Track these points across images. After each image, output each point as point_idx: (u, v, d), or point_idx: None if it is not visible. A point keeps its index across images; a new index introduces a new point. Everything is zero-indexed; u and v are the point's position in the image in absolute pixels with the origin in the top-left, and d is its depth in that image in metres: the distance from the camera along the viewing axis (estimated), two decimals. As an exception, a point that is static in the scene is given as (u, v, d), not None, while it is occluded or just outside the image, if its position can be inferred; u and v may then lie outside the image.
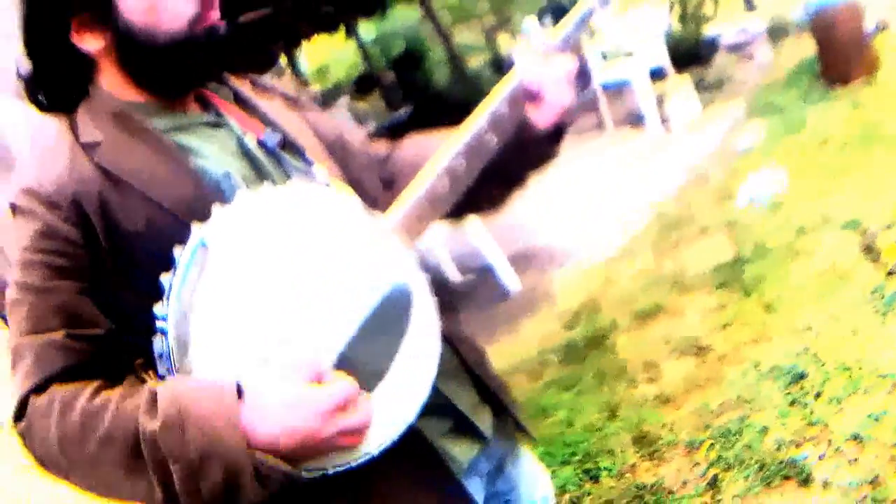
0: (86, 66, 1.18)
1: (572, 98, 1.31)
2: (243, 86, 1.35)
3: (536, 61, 1.30)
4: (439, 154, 1.21)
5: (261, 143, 1.24)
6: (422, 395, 1.09)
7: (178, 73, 1.18)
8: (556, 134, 1.34)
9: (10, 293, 1.08)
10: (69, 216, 1.07)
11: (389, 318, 1.07)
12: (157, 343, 0.95)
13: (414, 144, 1.46)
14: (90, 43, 1.14)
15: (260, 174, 1.19)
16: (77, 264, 1.07)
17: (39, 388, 1.02)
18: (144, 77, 1.18)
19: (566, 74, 1.30)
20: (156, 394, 0.94)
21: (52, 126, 1.21)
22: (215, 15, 1.17)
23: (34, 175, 1.12)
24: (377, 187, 1.38)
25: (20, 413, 1.04)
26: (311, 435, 0.94)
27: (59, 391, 1.01)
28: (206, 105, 1.27)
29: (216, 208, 0.99)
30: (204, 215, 0.99)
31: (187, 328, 0.94)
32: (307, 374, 0.96)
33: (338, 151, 1.36)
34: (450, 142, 1.23)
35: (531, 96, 1.29)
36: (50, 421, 0.99)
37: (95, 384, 1.01)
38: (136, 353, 1.03)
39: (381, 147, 1.48)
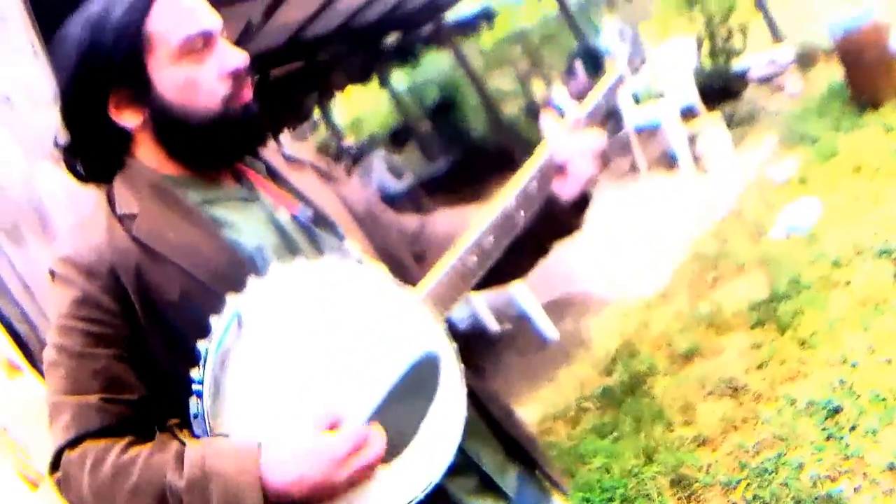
0: (123, 139, 1.24)
1: (596, 171, 1.36)
2: (276, 159, 1.40)
3: (565, 136, 1.37)
4: (470, 229, 1.27)
5: (294, 218, 1.29)
6: (447, 457, 1.14)
7: (214, 150, 1.24)
8: (580, 205, 1.40)
9: (49, 354, 1.15)
10: (106, 286, 1.13)
11: (418, 384, 1.13)
12: (193, 405, 1.01)
13: (443, 222, 1.51)
14: (128, 119, 1.21)
15: (291, 249, 1.24)
16: (114, 332, 1.12)
17: (73, 443, 1.09)
18: (181, 153, 1.24)
19: (592, 149, 1.36)
20: (183, 452, 1.02)
21: (89, 194, 1.29)
22: (248, 93, 1.24)
23: (72, 244, 1.19)
24: (409, 260, 1.42)
25: (55, 465, 1.10)
26: (323, 481, 1.00)
27: (91, 446, 1.07)
28: (239, 178, 1.32)
29: (251, 280, 1.05)
30: (237, 287, 1.05)
31: (222, 392, 1.01)
32: (323, 421, 1.02)
33: (369, 225, 1.40)
34: (480, 217, 1.29)
35: (558, 170, 1.36)
36: (83, 473, 1.06)
37: (126, 440, 1.08)
38: (172, 413, 1.09)
39: (410, 222, 1.53)
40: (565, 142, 1.36)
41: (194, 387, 1.01)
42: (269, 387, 1.04)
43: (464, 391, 1.19)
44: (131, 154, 1.25)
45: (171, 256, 1.15)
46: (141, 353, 1.13)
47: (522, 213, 1.31)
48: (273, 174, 1.37)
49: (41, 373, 1.85)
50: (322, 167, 1.48)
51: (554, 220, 1.40)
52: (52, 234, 1.92)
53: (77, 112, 1.22)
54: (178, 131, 1.21)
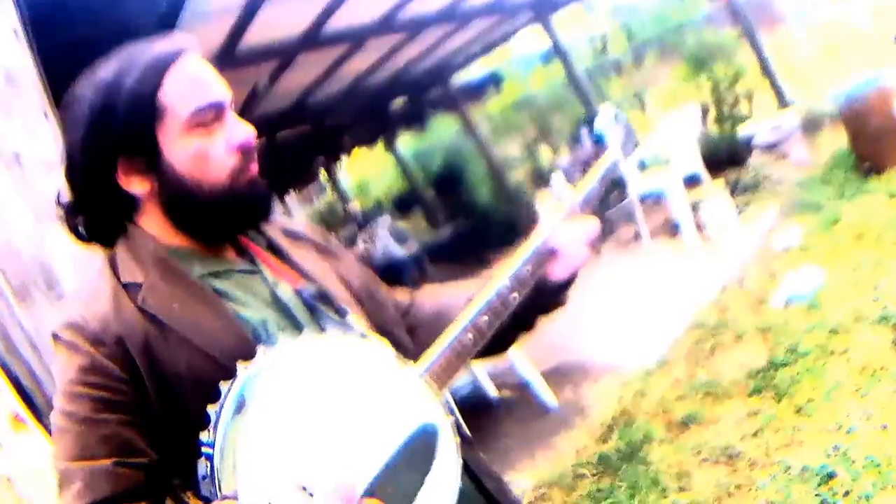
0: (127, 205, 1.27)
1: (588, 256, 1.50)
2: (276, 234, 1.45)
3: (560, 224, 1.50)
4: (466, 309, 1.36)
5: (297, 293, 1.33)
6: None
7: (220, 223, 1.28)
8: (567, 284, 1.53)
9: (56, 420, 1.15)
10: (113, 354, 1.14)
11: (416, 455, 1.18)
12: (202, 467, 1.03)
13: (430, 298, 1.62)
14: (136, 186, 1.23)
15: (293, 323, 1.28)
16: (122, 398, 1.13)
17: None
18: (187, 224, 1.27)
19: (585, 236, 1.50)
20: None
21: (96, 255, 1.31)
22: (255, 168, 1.28)
23: (78, 311, 1.19)
24: (404, 336, 1.48)
25: None
26: None
27: None
28: (241, 251, 1.36)
29: (260, 350, 1.09)
30: (242, 357, 1.08)
31: (231, 455, 1.03)
32: (344, 498, 1.02)
33: (366, 301, 1.46)
34: (476, 298, 1.38)
35: (552, 254, 1.48)
36: None
37: None
38: (177, 474, 1.13)
39: (402, 297, 1.62)
40: (560, 229, 1.49)
41: (203, 449, 1.04)
42: (274, 452, 1.07)
43: (459, 463, 1.24)
44: (134, 221, 1.29)
45: (177, 329, 1.18)
46: (149, 419, 1.15)
47: (515, 295, 1.41)
48: (274, 248, 1.42)
49: (46, 427, 1.95)
50: (320, 242, 1.54)
51: (542, 298, 1.51)
52: (59, 293, 1.97)
53: (83, 174, 1.24)
54: (185, 202, 1.24)
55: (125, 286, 1.21)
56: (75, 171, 1.25)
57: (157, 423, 1.15)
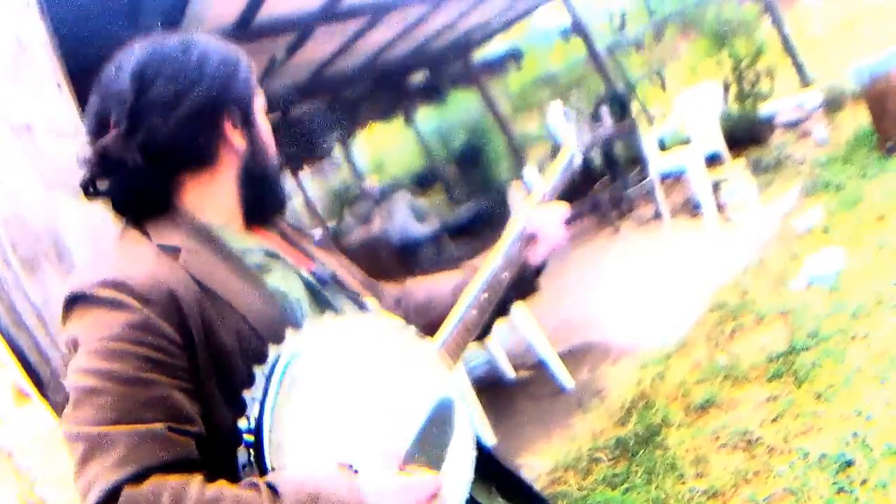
0: (171, 186, 1.29)
1: (564, 237, 1.63)
2: (284, 226, 1.52)
3: (533, 209, 1.63)
4: (469, 287, 1.49)
5: (314, 275, 1.39)
6: (463, 496, 1.24)
7: (275, 195, 1.43)
8: (540, 269, 1.67)
9: (82, 380, 1.05)
10: (164, 313, 1.09)
11: (438, 428, 1.24)
12: (242, 455, 1.05)
13: (419, 288, 1.70)
14: (237, 139, 1.33)
15: (320, 303, 1.33)
16: (173, 361, 1.08)
17: (136, 478, 0.99)
18: (251, 193, 1.36)
19: (560, 218, 1.63)
20: (272, 484, 1.00)
21: (108, 226, 1.35)
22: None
23: (116, 269, 1.13)
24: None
25: (109, 502, 0.98)
26: None
27: (164, 481, 0.99)
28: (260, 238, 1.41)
29: (290, 332, 1.13)
30: (281, 337, 1.11)
31: (272, 438, 1.05)
32: (395, 462, 1.11)
33: (369, 290, 1.57)
34: (474, 280, 1.50)
35: (531, 238, 1.60)
36: None
37: (201, 476, 1.01)
38: (218, 455, 1.09)
39: (392, 289, 1.71)
40: (536, 214, 1.62)
41: (245, 436, 1.05)
42: (315, 430, 1.09)
43: (473, 434, 1.30)
44: (178, 196, 1.30)
45: (225, 296, 1.17)
46: (198, 389, 1.11)
47: (506, 274, 1.54)
48: (286, 237, 1.49)
49: (50, 402, 1.94)
50: (319, 238, 1.60)
51: (520, 283, 1.62)
52: (68, 265, 1.97)
53: (189, 121, 1.24)
54: (261, 168, 1.37)
55: (162, 248, 1.19)
56: (170, 120, 1.23)
57: (203, 397, 1.11)
